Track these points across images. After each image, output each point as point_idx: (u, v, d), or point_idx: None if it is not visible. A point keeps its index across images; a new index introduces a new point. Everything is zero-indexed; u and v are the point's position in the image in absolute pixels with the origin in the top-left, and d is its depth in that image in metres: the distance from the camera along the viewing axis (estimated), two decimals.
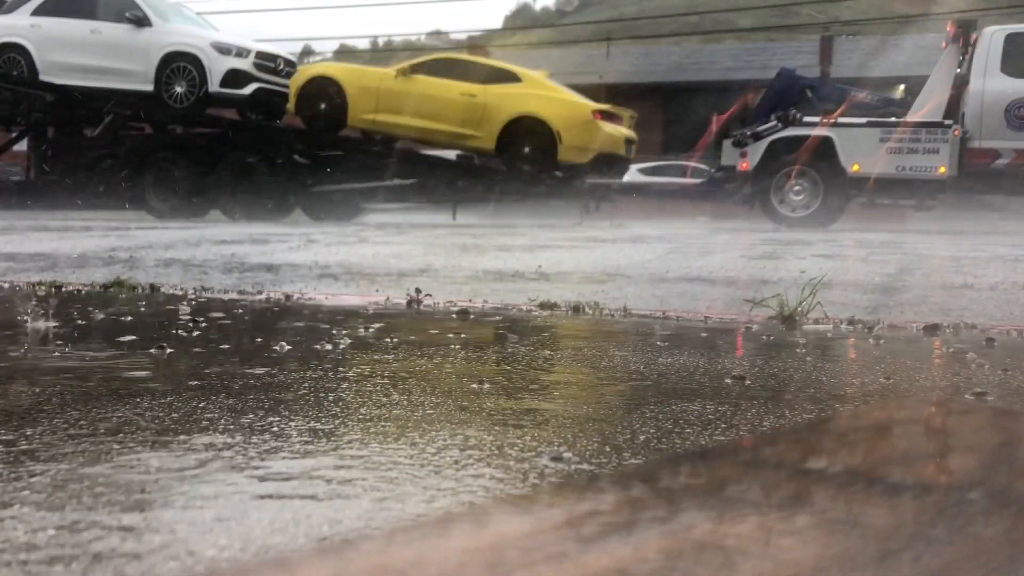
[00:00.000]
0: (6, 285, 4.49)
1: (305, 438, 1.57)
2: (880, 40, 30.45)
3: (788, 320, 3.37)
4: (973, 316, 3.61)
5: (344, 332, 2.93)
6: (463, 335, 2.94)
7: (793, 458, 1.23)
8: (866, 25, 41.18)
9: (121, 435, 1.56)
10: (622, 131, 13.79)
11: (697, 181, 15.68)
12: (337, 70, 14.50)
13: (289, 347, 2.60)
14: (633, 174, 19.95)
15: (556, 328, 3.31)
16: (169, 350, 2.48)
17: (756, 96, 13.75)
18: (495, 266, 5.85)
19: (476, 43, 38.84)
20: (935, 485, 1.09)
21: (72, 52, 13.99)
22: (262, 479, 1.32)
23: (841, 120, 12.69)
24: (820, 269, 4.65)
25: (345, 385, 2.07)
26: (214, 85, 13.65)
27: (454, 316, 3.48)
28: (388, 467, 1.39)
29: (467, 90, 13.33)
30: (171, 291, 4.28)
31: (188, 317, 3.21)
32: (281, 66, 14.53)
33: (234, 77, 13.75)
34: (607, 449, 1.52)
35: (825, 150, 12.54)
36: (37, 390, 1.95)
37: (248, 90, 13.91)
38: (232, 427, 1.63)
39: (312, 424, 1.67)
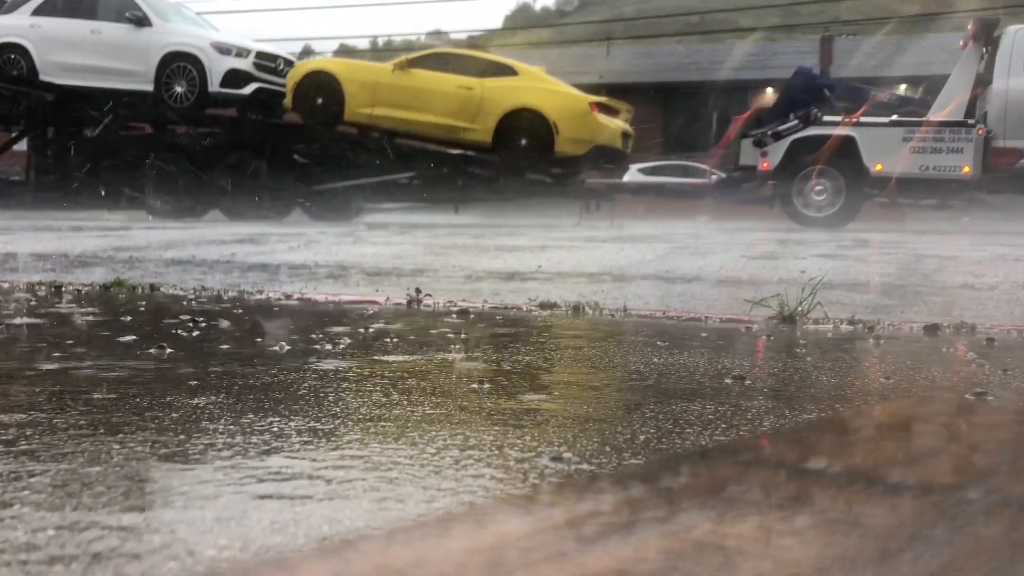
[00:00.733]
0: (5, 285, 4.49)
1: (305, 438, 1.57)
2: (880, 40, 30.43)
3: (788, 320, 3.37)
4: (973, 316, 3.61)
5: (344, 332, 2.93)
6: (463, 335, 2.94)
7: (793, 458, 1.23)
8: (866, 25, 41.15)
9: (121, 435, 1.55)
10: (619, 124, 13.68)
11: (714, 180, 15.44)
12: (334, 65, 14.49)
13: (289, 347, 2.60)
14: (633, 174, 19.87)
15: (556, 328, 3.31)
16: (169, 350, 2.48)
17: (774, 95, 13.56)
18: (495, 266, 5.85)
19: (476, 43, 38.83)
20: (935, 485, 1.09)
21: (72, 52, 14.00)
22: (262, 479, 1.32)
23: (863, 119, 12.54)
24: (820, 269, 4.65)
25: (345, 385, 2.07)
26: (214, 85, 13.66)
27: (454, 316, 3.48)
28: (388, 467, 1.39)
29: (464, 83, 13.29)
30: (171, 291, 4.28)
31: (188, 317, 3.21)
32: (281, 66, 14.53)
33: (234, 77, 13.76)
34: (607, 449, 1.52)
35: (848, 149, 12.37)
36: (37, 390, 1.95)
37: (248, 90, 13.92)
38: (232, 427, 1.63)
39: (312, 424, 1.67)
